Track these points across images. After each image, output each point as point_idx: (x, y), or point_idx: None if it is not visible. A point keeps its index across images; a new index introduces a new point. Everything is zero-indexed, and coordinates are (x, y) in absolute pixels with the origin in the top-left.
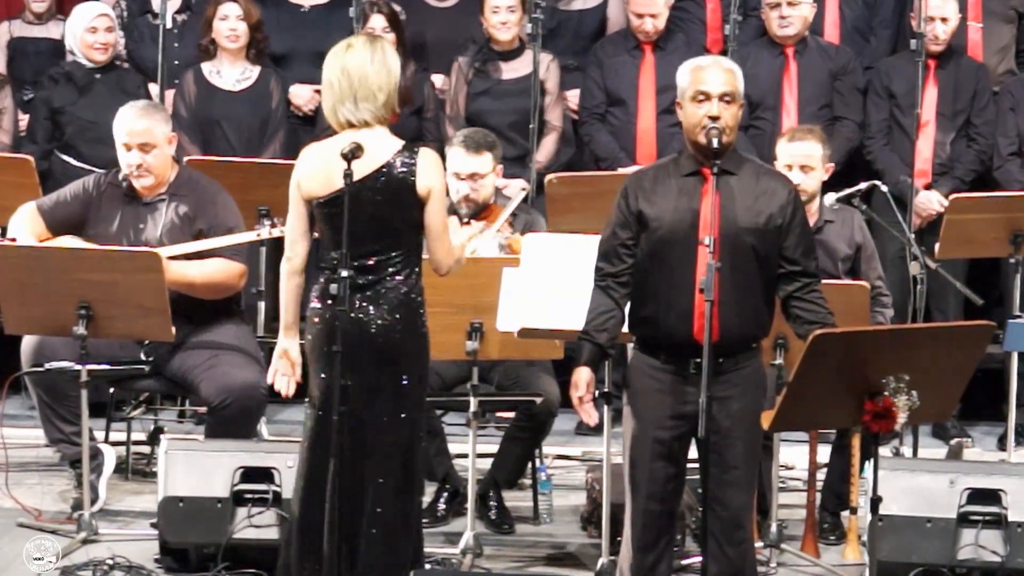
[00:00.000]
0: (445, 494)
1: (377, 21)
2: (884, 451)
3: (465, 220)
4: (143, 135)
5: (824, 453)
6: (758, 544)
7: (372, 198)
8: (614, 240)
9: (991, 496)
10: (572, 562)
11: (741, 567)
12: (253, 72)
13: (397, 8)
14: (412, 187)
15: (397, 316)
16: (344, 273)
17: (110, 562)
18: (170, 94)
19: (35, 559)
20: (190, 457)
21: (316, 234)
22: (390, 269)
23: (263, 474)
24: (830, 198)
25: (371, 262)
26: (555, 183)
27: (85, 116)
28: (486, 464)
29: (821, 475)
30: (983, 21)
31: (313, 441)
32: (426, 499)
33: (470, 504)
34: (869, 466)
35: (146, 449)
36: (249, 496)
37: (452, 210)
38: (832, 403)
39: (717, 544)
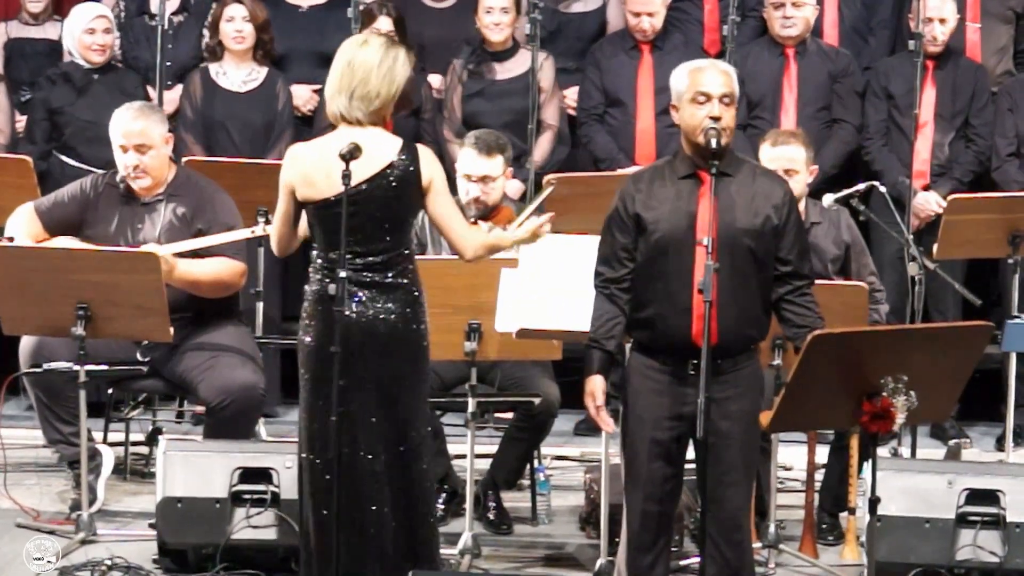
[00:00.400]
0: (443, 495)
1: (384, 23)
2: (882, 452)
3: (472, 220)
4: (139, 136)
5: (822, 454)
6: (756, 545)
7: (384, 196)
8: (614, 245)
9: (989, 497)
10: (570, 563)
11: (739, 568)
12: (260, 73)
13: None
14: (418, 182)
15: (407, 311)
16: (342, 274)
17: (108, 563)
18: (169, 95)
19: (35, 559)
20: (188, 458)
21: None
22: (398, 265)
23: (261, 475)
24: (828, 199)
25: (380, 259)
26: (553, 183)
27: (84, 117)
28: (485, 465)
29: (819, 476)
30: (981, 22)
31: (313, 488)
32: None
33: (468, 505)
34: (867, 467)
35: (144, 450)
36: (247, 497)
37: (460, 210)
38: (830, 404)
39: (715, 545)
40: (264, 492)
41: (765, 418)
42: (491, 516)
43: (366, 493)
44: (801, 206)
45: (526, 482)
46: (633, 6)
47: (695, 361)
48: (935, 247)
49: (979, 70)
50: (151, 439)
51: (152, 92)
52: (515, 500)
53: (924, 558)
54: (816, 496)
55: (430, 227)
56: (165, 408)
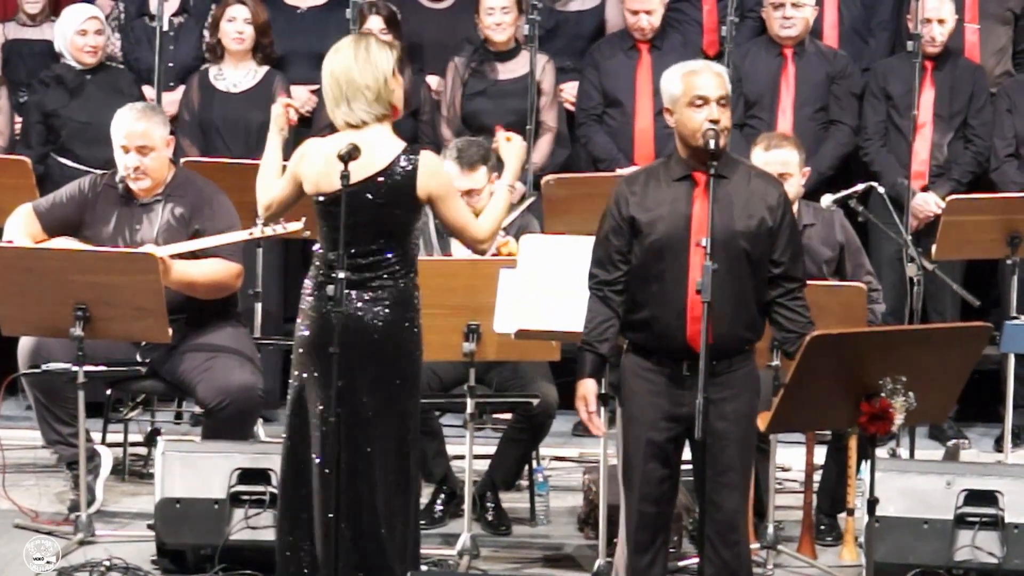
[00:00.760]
0: (442, 495)
1: (375, 22)
2: (881, 452)
3: None
4: (142, 137)
5: (821, 454)
6: (755, 546)
7: (373, 201)
8: (608, 247)
9: (988, 497)
10: (569, 563)
11: (737, 569)
12: (259, 73)
13: (392, 8)
14: (412, 192)
15: (391, 313)
16: (341, 275)
17: (107, 563)
18: (169, 96)
19: (35, 559)
20: (187, 458)
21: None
22: (386, 269)
23: (260, 475)
24: (827, 199)
25: (366, 261)
26: (552, 184)
27: (79, 118)
28: (483, 465)
29: (818, 476)
30: (980, 23)
31: (290, 447)
32: (423, 500)
33: (467, 505)
34: (866, 467)
35: (143, 450)
36: (246, 497)
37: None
38: (829, 404)
39: (712, 546)
40: (263, 493)
41: (764, 419)
42: (490, 517)
43: (356, 493)
44: (794, 208)
45: (524, 483)
46: (631, 4)
47: (690, 363)
48: (934, 248)
49: (978, 71)
50: (150, 440)
51: (150, 92)
52: (514, 501)
53: (923, 559)
54: (814, 497)
55: (430, 227)
56: (164, 409)
